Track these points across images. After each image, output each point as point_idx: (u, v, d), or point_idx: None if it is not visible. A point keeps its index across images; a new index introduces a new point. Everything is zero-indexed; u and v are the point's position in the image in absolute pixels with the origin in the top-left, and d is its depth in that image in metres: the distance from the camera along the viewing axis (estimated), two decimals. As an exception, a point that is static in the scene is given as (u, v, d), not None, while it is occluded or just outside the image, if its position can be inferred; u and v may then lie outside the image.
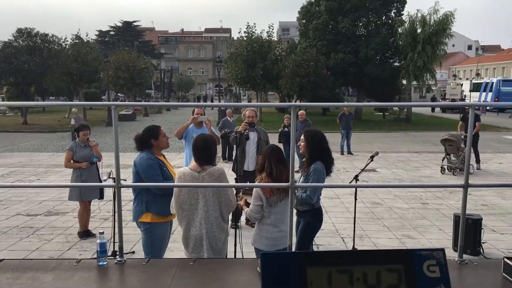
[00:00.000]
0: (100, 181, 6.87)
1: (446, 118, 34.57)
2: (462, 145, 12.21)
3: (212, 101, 59.48)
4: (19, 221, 7.76)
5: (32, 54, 27.09)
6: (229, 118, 13.46)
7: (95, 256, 2.92)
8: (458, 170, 12.24)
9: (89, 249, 6.37)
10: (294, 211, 4.37)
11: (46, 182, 11.26)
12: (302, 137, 4.56)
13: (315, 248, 6.13)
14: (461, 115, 14.19)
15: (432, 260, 1.91)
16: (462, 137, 12.45)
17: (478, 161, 12.97)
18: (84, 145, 6.87)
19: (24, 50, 26.96)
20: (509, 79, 47.33)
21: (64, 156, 6.93)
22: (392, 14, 34.18)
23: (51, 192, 9.69)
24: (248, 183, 6.54)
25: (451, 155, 12.41)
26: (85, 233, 6.93)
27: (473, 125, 11.49)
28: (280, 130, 12.36)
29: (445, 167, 12.50)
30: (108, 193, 7.42)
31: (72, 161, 6.81)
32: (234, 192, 4.57)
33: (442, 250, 1.94)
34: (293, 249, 3.68)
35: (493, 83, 44.08)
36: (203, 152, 3.82)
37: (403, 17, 31.67)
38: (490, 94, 43.47)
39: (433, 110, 41.93)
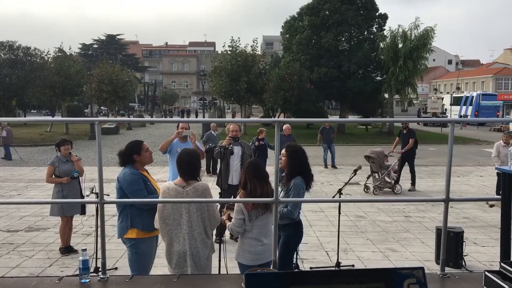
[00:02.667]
0: (82, 196, 6.80)
1: (427, 132, 35.04)
2: (386, 163, 11.59)
3: (196, 115, 59.29)
4: (-1, 237, 7.61)
5: (13, 67, 26.80)
6: (213, 132, 13.46)
7: (78, 273, 2.89)
8: (379, 189, 11.52)
9: (71, 266, 6.27)
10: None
11: (27, 197, 11.07)
12: (283, 151, 4.60)
13: (299, 262, 6.13)
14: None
15: (412, 279, 1.94)
16: (387, 153, 11.80)
17: (413, 182, 12.11)
18: (66, 160, 6.79)
19: (6, 63, 26.66)
20: (488, 93, 48.39)
21: (46, 171, 6.84)
22: (374, 29, 34.76)
23: (32, 207, 9.53)
24: (232, 198, 6.54)
25: (378, 172, 11.57)
26: (66, 249, 6.82)
27: (408, 141, 11.19)
28: (255, 144, 11.17)
29: (369, 185, 11.69)
30: (91, 208, 7.34)
31: (53, 176, 6.72)
32: (219, 207, 4.57)
33: (422, 268, 1.98)
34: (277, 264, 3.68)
35: (473, 97, 45.02)
36: (187, 167, 3.82)
37: (385, 32, 32.29)
38: (470, 107, 44.35)
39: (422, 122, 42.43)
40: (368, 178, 11.82)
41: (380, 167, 11.49)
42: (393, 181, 11.62)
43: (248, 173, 4.16)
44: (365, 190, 11.74)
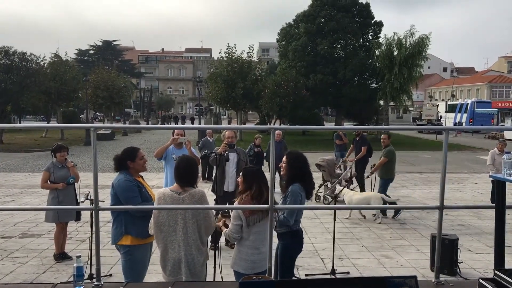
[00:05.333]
0: (77, 202, 6.77)
1: (422, 139, 35.18)
2: (338, 171, 11.15)
3: (192, 121, 59.15)
4: (-7, 244, 7.56)
5: (9, 72, 26.69)
6: (209, 138, 13.45)
7: (72, 279, 2.88)
8: (329, 198, 10.57)
9: (65, 272, 6.24)
10: (275, 233, 4.36)
11: (22, 203, 11.00)
12: (284, 158, 4.58)
13: (294, 270, 6.12)
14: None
15: (404, 287, 1.94)
16: (339, 161, 11.26)
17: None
18: (61, 166, 6.77)
19: (1, 69, 26.56)
20: (483, 101, 48.67)
21: (41, 177, 6.81)
22: (370, 36, 34.98)
23: (26, 213, 9.47)
24: (228, 205, 6.53)
25: (329, 181, 11.04)
26: (61, 256, 6.78)
27: (360, 149, 11.16)
28: (254, 150, 11.27)
29: (320, 195, 11.10)
30: (85, 214, 7.31)
31: (49, 182, 6.70)
32: (214, 213, 4.56)
33: (414, 277, 1.98)
34: (273, 272, 3.67)
35: (467, 104, 45.25)
36: (185, 174, 3.82)
37: (380, 40, 32.43)
38: (465, 115, 44.55)
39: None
40: (320, 187, 11.22)
41: (331, 175, 11.00)
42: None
43: (262, 181, 4.13)
44: (317, 199, 10.95)
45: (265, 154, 11.96)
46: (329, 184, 11.25)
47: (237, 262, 4.08)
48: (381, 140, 10.37)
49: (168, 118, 64.87)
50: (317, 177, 14.82)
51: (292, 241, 4.54)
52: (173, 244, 3.70)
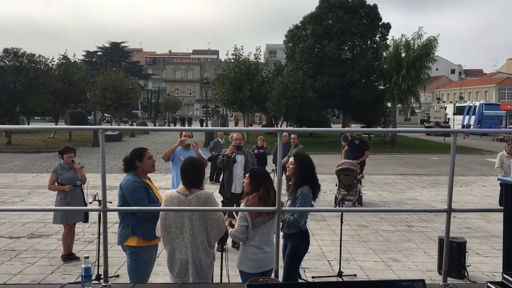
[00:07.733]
0: (85, 204, 6.80)
1: (430, 141, 34.99)
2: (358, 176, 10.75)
3: (202, 123, 58.85)
4: (1, 244, 7.60)
5: (18, 74, 26.91)
6: (220, 140, 13.60)
7: (80, 280, 2.89)
8: (353, 202, 10.56)
9: (72, 273, 6.27)
10: (281, 233, 4.38)
11: (30, 204, 11.07)
12: (292, 160, 4.64)
13: (301, 272, 6.12)
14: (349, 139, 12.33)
15: (412, 291, 1.93)
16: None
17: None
18: (68, 168, 6.81)
19: (10, 70, 26.78)
20: (491, 103, 48.31)
21: (48, 178, 6.86)
22: (377, 38, 34.91)
23: (34, 214, 9.54)
24: (235, 207, 6.54)
25: (344, 185, 10.69)
26: (68, 256, 6.82)
27: (363, 153, 11.07)
28: (254, 152, 10.76)
29: (350, 198, 10.54)
30: (93, 215, 7.35)
31: (56, 184, 6.74)
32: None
33: (422, 281, 1.97)
34: (280, 273, 3.67)
35: (476, 106, 44.95)
36: (191, 176, 3.83)
37: (388, 42, 32.37)
38: (473, 117, 44.27)
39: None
40: (341, 191, 10.82)
41: (355, 179, 10.54)
42: (359, 193, 11.12)
43: (269, 183, 4.15)
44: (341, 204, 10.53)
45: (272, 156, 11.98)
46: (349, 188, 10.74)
47: (242, 262, 4.10)
48: (291, 140, 10.88)
49: (180, 119, 64.72)
50: (322, 179, 14.78)
51: (301, 242, 4.64)
52: (180, 246, 3.71)
